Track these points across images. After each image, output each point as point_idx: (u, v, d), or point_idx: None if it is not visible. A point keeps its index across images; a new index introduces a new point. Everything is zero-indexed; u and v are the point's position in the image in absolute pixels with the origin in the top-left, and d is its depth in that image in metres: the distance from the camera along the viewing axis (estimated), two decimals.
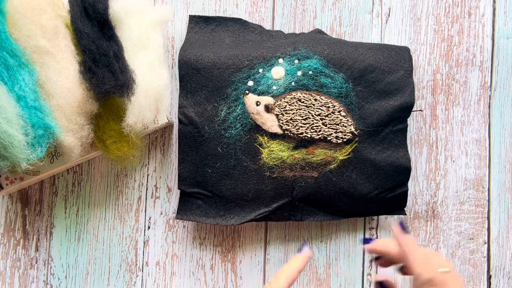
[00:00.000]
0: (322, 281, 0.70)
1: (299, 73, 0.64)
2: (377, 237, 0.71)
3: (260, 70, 0.64)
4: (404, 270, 0.58)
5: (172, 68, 0.71)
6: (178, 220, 0.69)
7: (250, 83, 0.64)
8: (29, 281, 0.70)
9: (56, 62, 0.59)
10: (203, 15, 0.70)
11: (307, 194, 0.65)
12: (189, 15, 0.69)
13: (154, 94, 0.62)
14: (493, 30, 0.72)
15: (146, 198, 0.70)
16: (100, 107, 0.62)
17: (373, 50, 0.66)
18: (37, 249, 0.70)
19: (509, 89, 0.72)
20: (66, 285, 0.70)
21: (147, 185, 0.70)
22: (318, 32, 0.69)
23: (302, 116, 0.63)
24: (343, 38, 0.71)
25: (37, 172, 0.64)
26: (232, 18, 0.69)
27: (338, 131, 0.64)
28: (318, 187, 0.65)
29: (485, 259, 0.71)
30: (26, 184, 0.67)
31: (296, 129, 0.63)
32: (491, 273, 0.71)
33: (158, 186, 0.70)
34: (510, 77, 0.72)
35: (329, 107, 0.63)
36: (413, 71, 0.70)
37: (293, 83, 0.64)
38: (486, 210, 0.71)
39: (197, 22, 0.69)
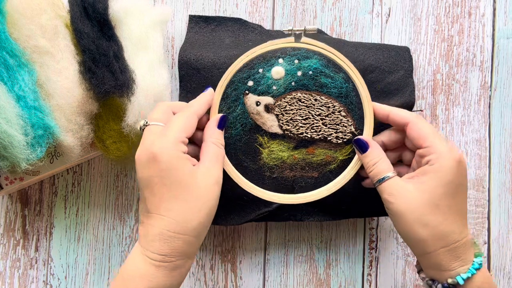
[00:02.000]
0: (322, 281, 0.70)
1: (299, 73, 0.64)
2: (377, 238, 0.71)
3: (260, 70, 0.64)
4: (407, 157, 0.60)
5: (172, 68, 0.71)
6: None
7: (250, 83, 0.64)
8: (28, 281, 0.70)
9: (56, 62, 0.59)
10: (203, 15, 0.70)
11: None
12: (189, 15, 0.69)
13: (154, 94, 0.62)
14: (493, 30, 0.72)
15: None
16: (100, 107, 0.62)
17: (373, 50, 0.66)
18: (37, 249, 0.70)
19: (509, 89, 0.72)
20: (66, 285, 0.70)
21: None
22: (318, 32, 0.69)
23: (302, 116, 0.63)
24: (343, 38, 0.71)
25: (37, 172, 0.64)
26: (232, 18, 0.69)
27: (338, 131, 0.64)
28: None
29: (485, 259, 0.71)
30: (26, 184, 0.67)
31: (296, 129, 0.63)
32: (491, 273, 0.71)
33: None
34: (510, 77, 0.72)
35: (329, 107, 0.63)
36: (413, 71, 0.70)
37: (293, 83, 0.64)
38: (486, 210, 0.71)
39: (197, 22, 0.69)
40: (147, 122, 0.56)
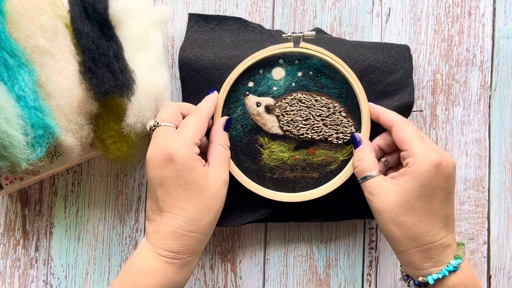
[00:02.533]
0: (322, 281, 0.70)
1: (300, 73, 0.64)
2: (377, 238, 0.71)
3: (260, 71, 0.64)
4: (392, 158, 0.62)
5: (172, 68, 0.71)
6: None
7: (250, 84, 0.64)
8: (29, 281, 0.70)
9: (56, 62, 0.59)
10: (203, 13, 0.70)
11: None
12: (189, 13, 0.69)
13: (154, 94, 0.62)
14: (493, 30, 0.72)
15: (146, 198, 0.70)
16: (100, 107, 0.62)
17: (373, 50, 0.66)
18: (37, 249, 0.70)
19: (509, 89, 0.72)
20: (66, 285, 0.70)
21: (147, 185, 0.70)
22: (318, 31, 0.69)
23: (302, 117, 0.63)
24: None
25: (37, 172, 0.64)
26: (232, 17, 0.69)
27: (338, 131, 0.64)
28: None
29: (485, 259, 0.71)
30: (26, 184, 0.67)
31: (297, 130, 0.63)
32: (491, 273, 0.71)
33: None
34: (510, 77, 0.72)
35: (329, 107, 0.63)
36: (413, 71, 0.70)
37: (293, 84, 0.64)
38: (486, 210, 0.71)
39: (196, 20, 0.69)
40: (157, 123, 0.58)
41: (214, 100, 0.62)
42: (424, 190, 0.54)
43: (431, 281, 0.54)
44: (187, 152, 0.55)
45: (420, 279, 0.55)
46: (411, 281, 0.57)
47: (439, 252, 0.54)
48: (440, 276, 0.54)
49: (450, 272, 0.54)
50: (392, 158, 0.62)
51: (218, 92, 0.63)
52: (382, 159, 0.62)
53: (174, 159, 0.54)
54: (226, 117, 0.62)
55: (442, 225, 0.55)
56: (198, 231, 0.55)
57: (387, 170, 0.62)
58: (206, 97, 0.62)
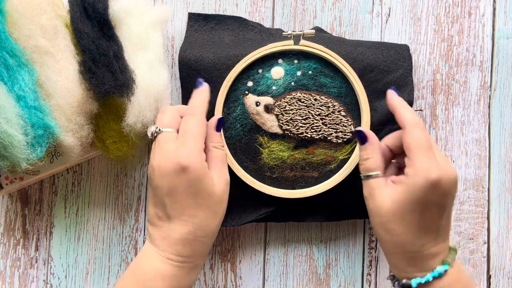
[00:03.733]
0: (322, 281, 0.70)
1: (299, 73, 0.64)
2: (377, 237, 0.71)
3: (260, 71, 0.64)
4: (398, 165, 0.61)
5: (172, 68, 0.71)
6: None
7: (250, 83, 0.64)
8: (29, 281, 0.70)
9: (56, 62, 0.59)
10: (203, 13, 0.70)
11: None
12: (188, 13, 0.69)
13: (154, 94, 0.62)
14: (493, 30, 0.72)
15: (146, 198, 0.70)
16: (100, 107, 0.62)
17: (372, 49, 0.66)
18: (37, 249, 0.70)
19: (509, 89, 0.72)
20: (66, 285, 0.70)
21: (147, 184, 0.70)
22: (318, 30, 0.69)
23: (302, 116, 0.63)
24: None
25: (37, 172, 0.64)
26: (232, 16, 0.69)
27: (338, 130, 0.64)
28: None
29: (485, 259, 0.71)
30: (26, 183, 0.67)
31: (296, 129, 0.63)
32: (490, 273, 0.71)
33: None
34: (510, 77, 0.72)
35: (329, 106, 0.63)
36: (413, 70, 0.70)
37: (292, 83, 0.64)
38: (486, 210, 0.71)
39: (196, 19, 0.69)
40: (159, 129, 0.57)
41: (206, 94, 0.61)
42: (417, 204, 0.53)
43: (414, 285, 0.54)
44: (198, 162, 0.55)
45: (404, 281, 0.55)
46: (396, 282, 0.57)
47: (424, 261, 0.54)
48: (423, 281, 0.54)
49: (434, 277, 0.54)
50: (404, 160, 0.59)
51: (217, 95, 0.62)
52: (393, 160, 0.61)
53: (187, 169, 0.54)
54: (217, 118, 0.61)
55: (432, 237, 0.54)
56: (207, 235, 0.56)
57: (398, 170, 0.61)
58: (196, 91, 0.61)
